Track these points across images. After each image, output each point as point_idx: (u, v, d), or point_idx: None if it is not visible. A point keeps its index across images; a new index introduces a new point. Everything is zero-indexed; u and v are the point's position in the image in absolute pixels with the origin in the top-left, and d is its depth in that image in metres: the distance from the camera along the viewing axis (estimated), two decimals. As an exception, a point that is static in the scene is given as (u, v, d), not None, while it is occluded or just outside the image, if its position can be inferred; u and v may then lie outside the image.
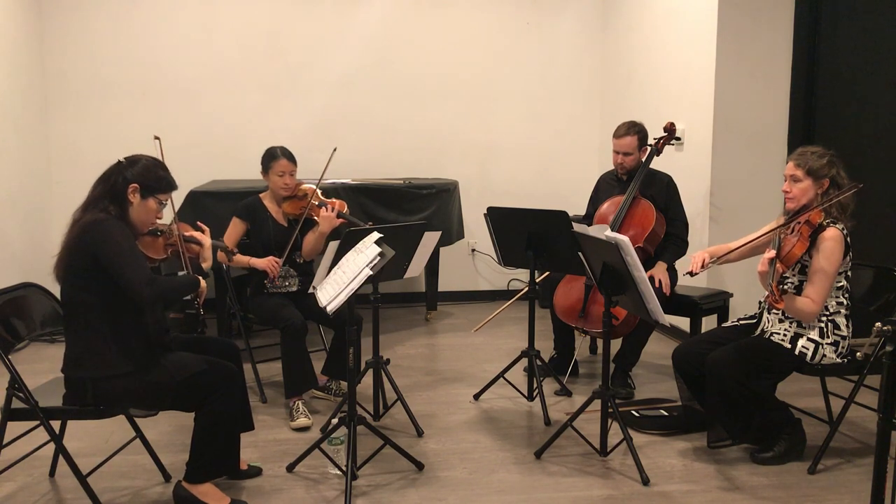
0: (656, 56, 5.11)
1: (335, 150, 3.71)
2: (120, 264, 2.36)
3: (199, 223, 2.89)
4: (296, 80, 5.62)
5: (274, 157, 3.63)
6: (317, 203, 3.68)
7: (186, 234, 2.78)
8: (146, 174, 2.52)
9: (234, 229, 3.62)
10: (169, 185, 2.59)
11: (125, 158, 2.55)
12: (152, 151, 2.72)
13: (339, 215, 3.64)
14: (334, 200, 3.78)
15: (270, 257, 3.58)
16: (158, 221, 2.70)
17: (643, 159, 3.94)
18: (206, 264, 2.77)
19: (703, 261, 3.14)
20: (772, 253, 2.85)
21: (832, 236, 2.85)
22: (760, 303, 3.13)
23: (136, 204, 2.50)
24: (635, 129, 3.88)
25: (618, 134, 3.91)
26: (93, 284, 2.40)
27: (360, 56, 5.67)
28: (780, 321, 2.99)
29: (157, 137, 2.86)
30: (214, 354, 2.68)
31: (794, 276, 2.97)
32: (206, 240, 2.80)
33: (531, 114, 5.96)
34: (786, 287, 2.99)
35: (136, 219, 2.53)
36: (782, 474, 2.90)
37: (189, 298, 2.71)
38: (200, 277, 2.68)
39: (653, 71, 5.16)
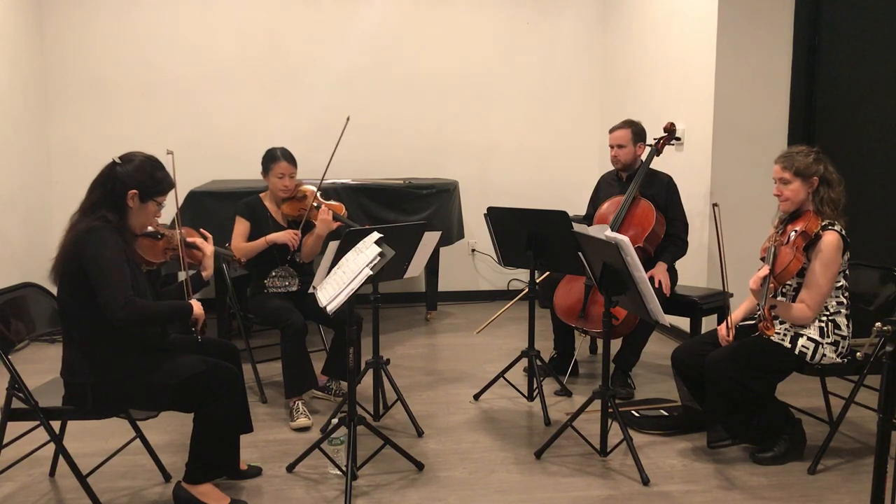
0: (656, 56, 5.11)
1: (348, 119, 3.67)
2: (99, 281, 2.32)
3: (202, 230, 2.83)
4: (296, 80, 5.62)
5: (274, 158, 3.63)
6: (315, 205, 3.68)
7: (188, 239, 2.72)
8: (144, 177, 2.47)
9: (241, 227, 3.62)
10: (168, 185, 2.55)
11: (120, 158, 2.49)
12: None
13: (335, 218, 3.64)
14: (333, 203, 3.78)
15: (289, 230, 3.59)
16: (159, 222, 2.67)
17: (642, 158, 3.95)
18: (207, 273, 2.73)
19: (728, 330, 3.05)
20: (765, 270, 2.85)
21: (831, 242, 2.85)
22: (759, 304, 3.13)
23: (136, 209, 2.48)
24: (628, 123, 3.92)
25: (612, 129, 3.95)
26: (82, 290, 2.38)
27: (360, 56, 5.67)
28: (781, 322, 2.98)
29: (170, 152, 2.72)
30: (213, 356, 2.67)
31: (792, 279, 2.96)
32: (209, 248, 2.75)
33: (531, 114, 5.96)
34: (782, 291, 3.00)
35: (135, 223, 2.52)
36: (782, 474, 2.90)
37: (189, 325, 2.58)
38: (193, 302, 2.56)
39: (653, 71, 5.16)
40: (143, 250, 2.60)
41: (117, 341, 2.44)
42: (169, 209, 2.65)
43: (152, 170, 2.51)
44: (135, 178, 2.45)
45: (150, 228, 2.63)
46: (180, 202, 2.87)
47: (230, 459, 2.70)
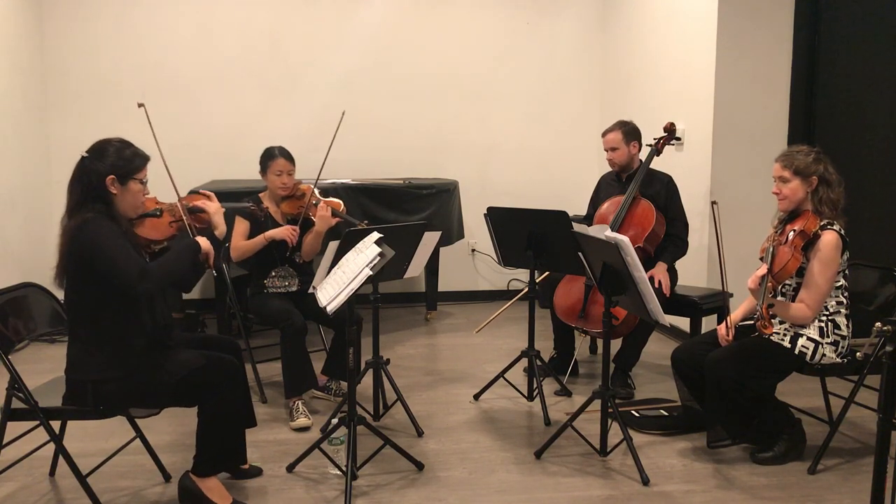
0: (656, 56, 5.11)
1: (343, 113, 3.66)
2: (110, 265, 2.32)
3: (202, 191, 2.77)
4: (296, 80, 5.62)
5: (272, 156, 3.63)
6: (314, 202, 3.68)
7: (189, 204, 2.67)
8: (115, 160, 2.44)
9: (240, 227, 3.61)
10: (142, 159, 2.51)
11: (88, 151, 2.46)
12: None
13: (335, 214, 3.64)
14: (332, 200, 3.78)
15: (288, 226, 3.59)
16: (160, 199, 2.64)
17: (641, 157, 3.95)
18: (219, 231, 2.67)
19: (727, 330, 3.04)
20: (763, 269, 2.85)
21: (830, 241, 2.85)
22: (758, 304, 3.13)
23: (119, 193, 2.45)
24: (620, 125, 3.92)
25: (603, 133, 3.97)
26: (89, 288, 2.39)
27: (360, 56, 5.67)
28: (781, 322, 2.98)
29: (140, 105, 2.72)
30: (215, 351, 2.67)
31: (791, 279, 2.96)
32: (213, 205, 2.69)
33: (531, 114, 5.96)
34: (782, 290, 3.00)
35: (125, 207, 2.49)
36: (782, 474, 2.90)
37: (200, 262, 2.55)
38: (199, 239, 2.55)
39: (653, 71, 5.16)
40: (146, 231, 2.57)
41: (121, 339, 2.45)
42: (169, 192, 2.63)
43: (121, 150, 2.47)
44: (106, 163, 2.43)
45: (147, 205, 2.58)
46: (180, 192, 2.84)
47: (236, 452, 2.69)
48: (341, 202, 3.85)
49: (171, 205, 2.66)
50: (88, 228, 2.35)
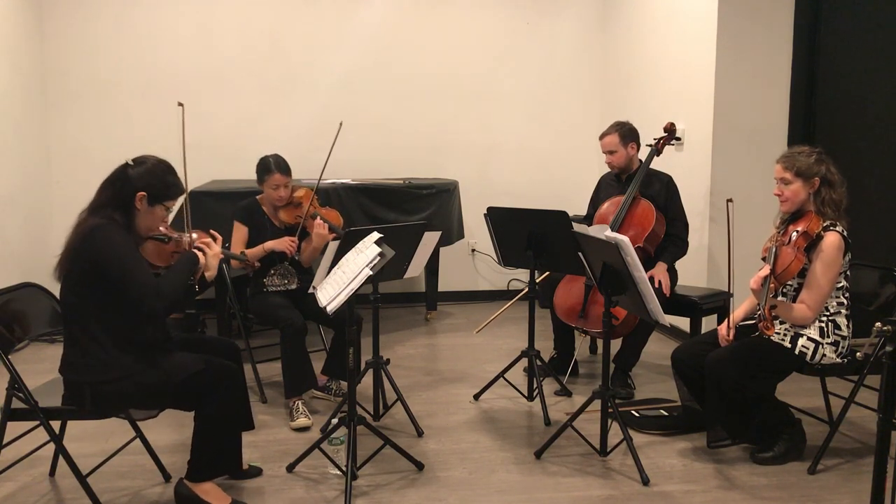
0: (656, 56, 5.11)
1: (341, 124, 3.66)
2: (126, 277, 2.33)
3: (211, 231, 2.77)
4: (296, 80, 5.62)
5: (268, 170, 3.60)
6: (312, 215, 3.66)
7: (196, 243, 2.68)
8: (154, 180, 2.46)
9: (239, 233, 3.61)
10: (178, 191, 2.54)
11: (133, 160, 2.48)
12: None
13: (331, 229, 3.63)
14: (329, 212, 3.77)
15: (285, 237, 3.60)
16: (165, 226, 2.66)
17: (640, 157, 3.95)
18: (210, 273, 2.66)
19: (728, 329, 3.04)
20: (766, 270, 2.85)
21: (832, 242, 2.84)
22: (760, 304, 3.13)
23: (143, 211, 2.47)
24: (616, 127, 3.91)
25: (601, 136, 3.96)
26: (89, 289, 2.39)
27: (360, 56, 5.67)
28: (781, 322, 2.98)
29: (180, 104, 2.69)
30: (214, 354, 2.66)
31: (793, 279, 2.96)
32: (215, 247, 2.69)
33: (531, 114, 5.96)
34: (783, 291, 3.00)
35: (142, 225, 2.50)
36: (782, 474, 2.90)
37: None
38: (198, 252, 2.57)
39: (653, 71, 5.16)
40: (149, 254, 2.57)
41: (119, 341, 2.44)
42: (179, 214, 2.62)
43: (163, 174, 2.50)
44: (145, 180, 2.45)
45: (161, 230, 2.60)
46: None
47: (232, 457, 2.68)
48: (338, 213, 3.84)
49: (179, 235, 2.66)
50: (104, 234, 2.35)
